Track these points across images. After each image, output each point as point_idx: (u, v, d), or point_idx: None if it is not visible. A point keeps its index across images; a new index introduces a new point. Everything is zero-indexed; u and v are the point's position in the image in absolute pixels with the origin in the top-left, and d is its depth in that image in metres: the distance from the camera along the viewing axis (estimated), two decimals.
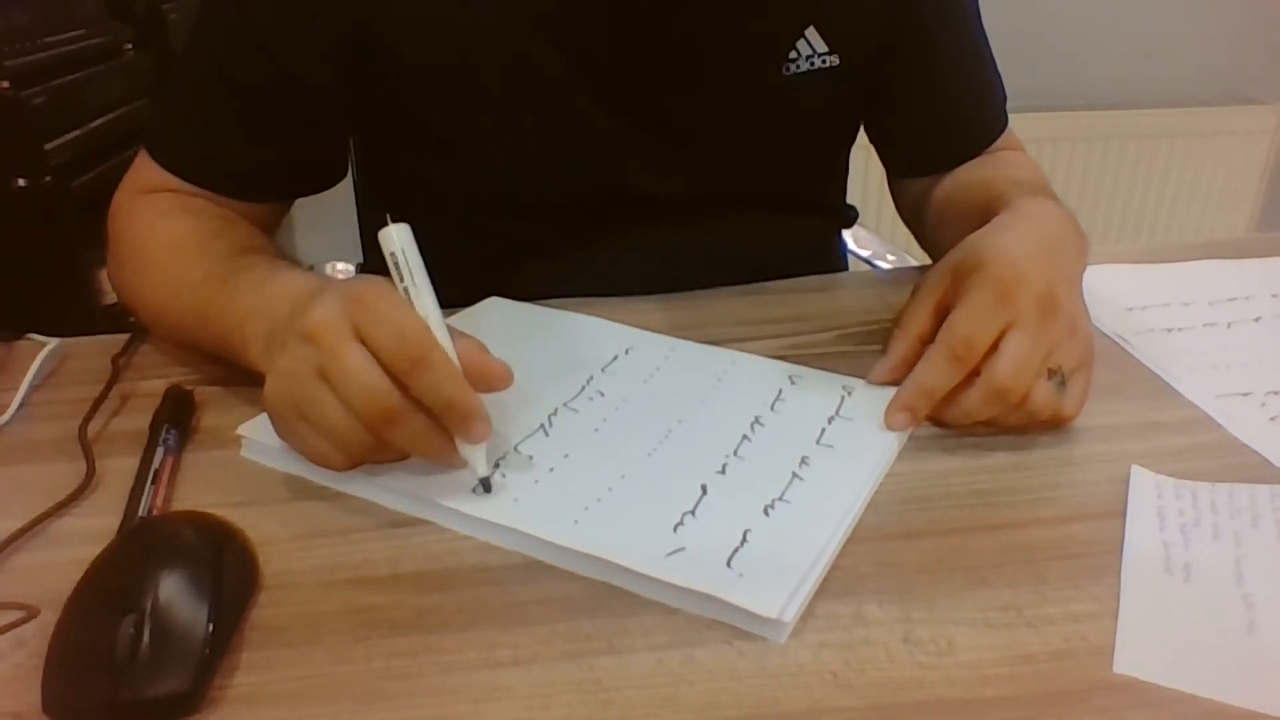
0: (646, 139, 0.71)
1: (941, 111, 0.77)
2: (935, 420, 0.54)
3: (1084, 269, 0.58)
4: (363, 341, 0.44)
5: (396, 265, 0.48)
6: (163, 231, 0.65)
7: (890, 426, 0.52)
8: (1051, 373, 0.51)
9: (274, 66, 0.65)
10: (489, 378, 0.47)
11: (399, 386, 0.44)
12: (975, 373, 0.51)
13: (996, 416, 0.52)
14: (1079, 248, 0.58)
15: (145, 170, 0.69)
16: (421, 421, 0.45)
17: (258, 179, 0.69)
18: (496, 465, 0.49)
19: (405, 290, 0.48)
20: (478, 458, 0.47)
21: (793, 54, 0.70)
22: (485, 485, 0.47)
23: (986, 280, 0.51)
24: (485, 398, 0.46)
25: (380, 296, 0.46)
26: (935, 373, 0.52)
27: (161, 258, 0.64)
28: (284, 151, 0.69)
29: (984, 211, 0.61)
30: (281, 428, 0.48)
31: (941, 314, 0.54)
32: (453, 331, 0.47)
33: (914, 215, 0.82)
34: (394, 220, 0.48)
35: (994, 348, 0.51)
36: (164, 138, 0.69)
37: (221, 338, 0.56)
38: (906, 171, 0.82)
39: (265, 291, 0.54)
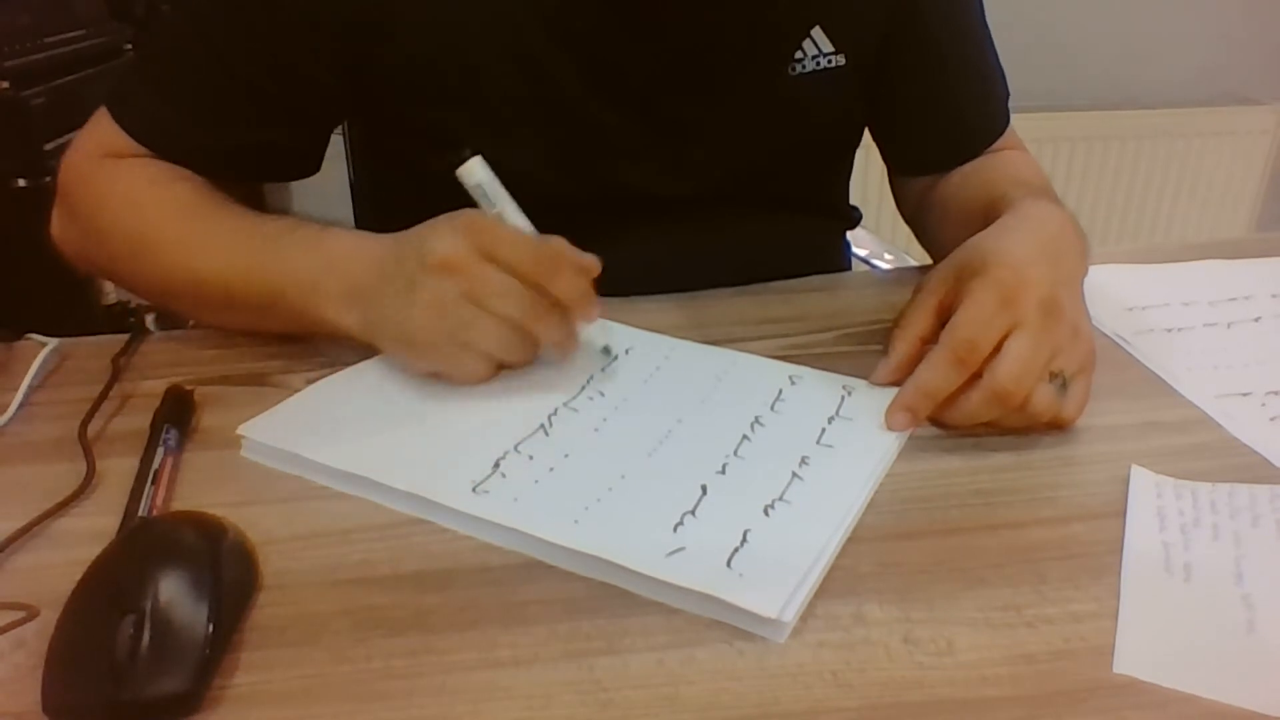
0: (651, 139, 0.71)
1: (945, 110, 0.77)
2: (935, 421, 0.54)
3: (1085, 272, 0.58)
4: (493, 263, 0.52)
5: (484, 195, 0.56)
6: (167, 195, 0.65)
7: (891, 427, 0.52)
8: (1053, 376, 0.51)
9: (267, 54, 0.64)
10: (586, 268, 0.55)
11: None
12: (977, 374, 0.51)
13: (997, 418, 0.52)
14: (1080, 251, 0.58)
15: (110, 135, 0.67)
16: (560, 315, 0.54)
17: (234, 162, 0.68)
18: (496, 465, 0.49)
19: (497, 215, 0.56)
20: (597, 332, 0.57)
21: (799, 54, 0.70)
22: (608, 351, 0.58)
23: (990, 283, 0.51)
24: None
25: (492, 223, 0.54)
26: (937, 374, 0.52)
27: (174, 219, 0.64)
28: (265, 137, 0.68)
29: (986, 213, 0.61)
30: (431, 354, 0.54)
31: (943, 315, 0.54)
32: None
33: (915, 214, 0.82)
34: (468, 156, 0.55)
35: (996, 350, 0.51)
36: (137, 109, 0.67)
37: (279, 295, 0.59)
38: (909, 170, 0.82)
39: (329, 251, 0.58)
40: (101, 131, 0.67)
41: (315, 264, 0.57)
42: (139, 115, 0.67)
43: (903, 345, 0.56)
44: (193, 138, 0.66)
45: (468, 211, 0.54)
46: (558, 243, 0.55)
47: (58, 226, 0.69)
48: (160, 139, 0.67)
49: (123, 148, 0.67)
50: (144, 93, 0.68)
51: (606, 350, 0.58)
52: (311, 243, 0.59)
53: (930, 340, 0.54)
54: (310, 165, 0.74)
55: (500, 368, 0.55)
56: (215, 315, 0.64)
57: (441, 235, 0.53)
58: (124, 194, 0.66)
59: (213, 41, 0.65)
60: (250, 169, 0.71)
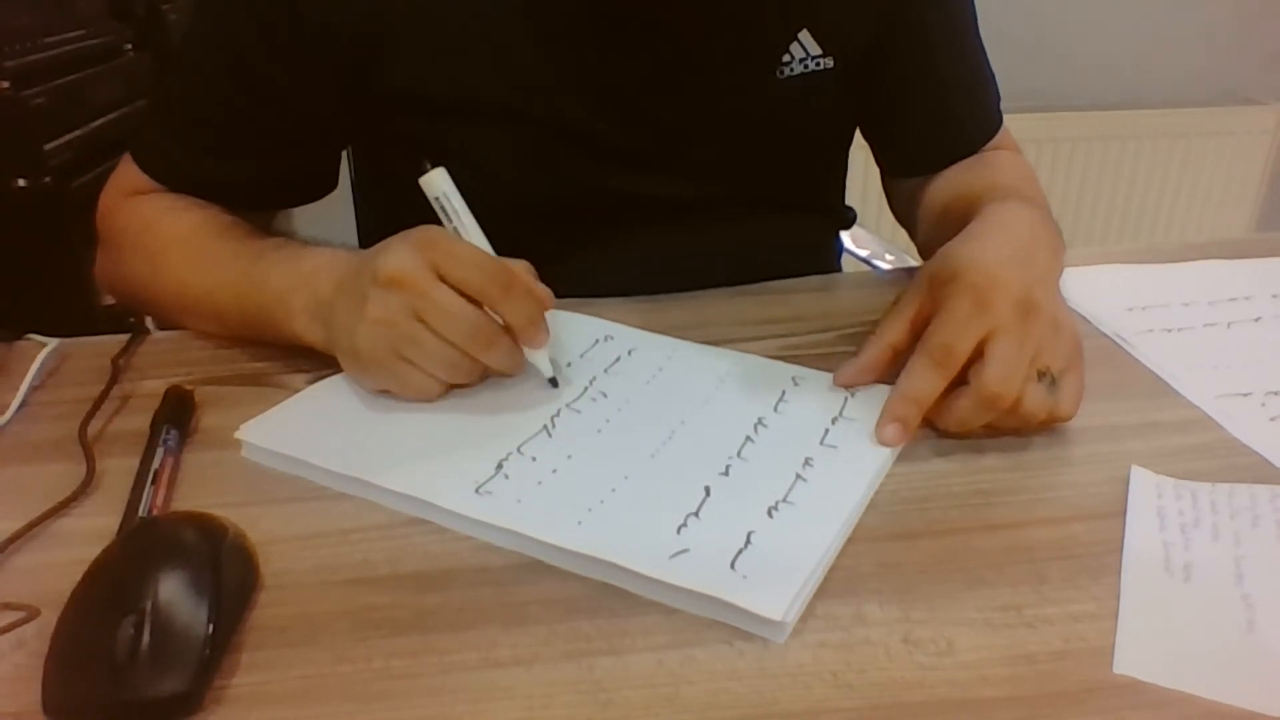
0: (642, 144, 0.71)
1: (936, 111, 0.77)
2: (932, 429, 0.54)
3: (1061, 269, 0.58)
4: (443, 281, 0.51)
5: (443, 208, 0.55)
6: (176, 221, 0.67)
7: (882, 441, 0.51)
8: (1041, 374, 0.51)
9: (263, 88, 0.66)
10: (541, 298, 0.55)
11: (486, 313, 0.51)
12: (966, 383, 0.51)
13: (992, 422, 0.52)
14: (1053, 248, 0.58)
15: (132, 175, 0.70)
16: (508, 341, 0.53)
17: (244, 191, 0.70)
18: (499, 466, 0.49)
19: (455, 230, 0.55)
20: (544, 361, 0.55)
21: (786, 57, 0.70)
22: (554, 383, 0.56)
23: (963, 289, 0.51)
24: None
25: (447, 240, 0.53)
26: (918, 380, 0.52)
27: (180, 243, 0.66)
28: (270, 167, 0.70)
29: (965, 215, 0.61)
30: (377, 370, 0.53)
31: (919, 325, 0.54)
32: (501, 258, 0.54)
33: (906, 214, 0.82)
34: (431, 167, 0.55)
35: (980, 356, 0.51)
36: (150, 149, 0.70)
37: (260, 311, 0.60)
38: (901, 171, 0.82)
39: (302, 267, 0.58)
40: (126, 173, 0.71)
41: (289, 280, 0.58)
42: (156, 156, 0.70)
43: (872, 349, 0.56)
44: (206, 174, 0.69)
45: (426, 227, 0.53)
46: (517, 266, 0.55)
47: (97, 264, 0.73)
48: (176, 178, 0.69)
49: (145, 186, 0.70)
50: (158, 134, 0.71)
51: (553, 382, 0.56)
52: (289, 259, 0.60)
53: (902, 349, 0.55)
54: (326, 185, 0.75)
55: (450, 387, 0.54)
56: (216, 330, 0.66)
57: (396, 250, 0.52)
58: (141, 223, 0.68)
59: (214, 80, 0.67)
60: (266, 197, 0.73)
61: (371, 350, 0.52)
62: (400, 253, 0.51)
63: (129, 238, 0.69)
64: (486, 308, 0.52)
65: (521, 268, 0.55)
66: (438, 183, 0.55)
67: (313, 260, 0.59)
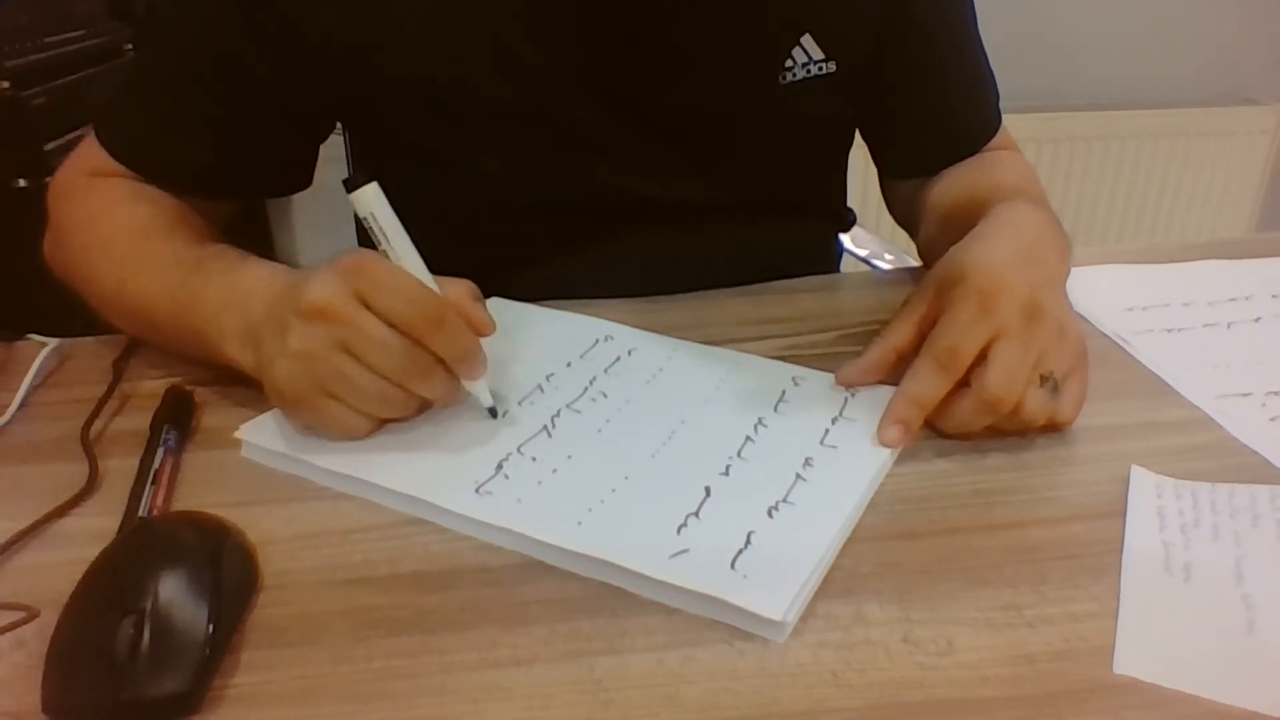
0: (643, 146, 0.70)
1: (938, 114, 0.77)
2: (933, 430, 0.54)
3: (1068, 271, 0.58)
4: (370, 310, 0.47)
5: (373, 228, 0.50)
6: (123, 215, 0.64)
7: (884, 442, 0.51)
8: (1044, 379, 0.51)
9: (242, 74, 0.64)
10: (477, 327, 0.51)
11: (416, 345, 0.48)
12: (968, 384, 0.51)
13: (993, 425, 0.52)
14: (1060, 251, 0.58)
15: (95, 155, 0.67)
16: (443, 372, 0.50)
17: (210, 177, 0.67)
18: (499, 466, 0.49)
19: (385, 253, 0.50)
20: (483, 391, 0.52)
21: (789, 62, 0.70)
22: (494, 413, 0.53)
23: (969, 292, 0.51)
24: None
25: (376, 266, 0.49)
26: (922, 382, 0.52)
27: (122, 239, 0.63)
28: (242, 152, 0.68)
29: (968, 217, 0.61)
30: (300, 407, 0.50)
31: (925, 327, 0.54)
32: (437, 279, 0.51)
33: (906, 216, 0.82)
34: (363, 182, 0.50)
35: (984, 359, 0.50)
36: (116, 127, 0.67)
37: (194, 330, 0.56)
38: (902, 172, 0.81)
39: (237, 285, 0.55)
40: (89, 152, 0.68)
41: (221, 297, 0.55)
42: (120, 135, 0.67)
43: (876, 351, 0.56)
44: (170, 155, 0.66)
45: (355, 252, 0.50)
46: (457, 288, 0.52)
47: (45, 241, 0.69)
48: (139, 158, 0.66)
49: (107, 167, 0.67)
50: (126, 113, 0.68)
51: (492, 412, 0.53)
52: (225, 274, 0.57)
53: (907, 352, 0.55)
54: (298, 180, 0.73)
55: (382, 422, 0.51)
56: (152, 339, 0.63)
57: (320, 277, 0.48)
58: (89, 211, 0.66)
59: (190, 62, 0.65)
60: (235, 185, 0.70)
61: (294, 387, 0.49)
62: (325, 280, 0.48)
63: (75, 223, 0.66)
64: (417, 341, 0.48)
65: (460, 291, 0.52)
66: (365, 201, 0.49)
67: (247, 277, 0.55)
